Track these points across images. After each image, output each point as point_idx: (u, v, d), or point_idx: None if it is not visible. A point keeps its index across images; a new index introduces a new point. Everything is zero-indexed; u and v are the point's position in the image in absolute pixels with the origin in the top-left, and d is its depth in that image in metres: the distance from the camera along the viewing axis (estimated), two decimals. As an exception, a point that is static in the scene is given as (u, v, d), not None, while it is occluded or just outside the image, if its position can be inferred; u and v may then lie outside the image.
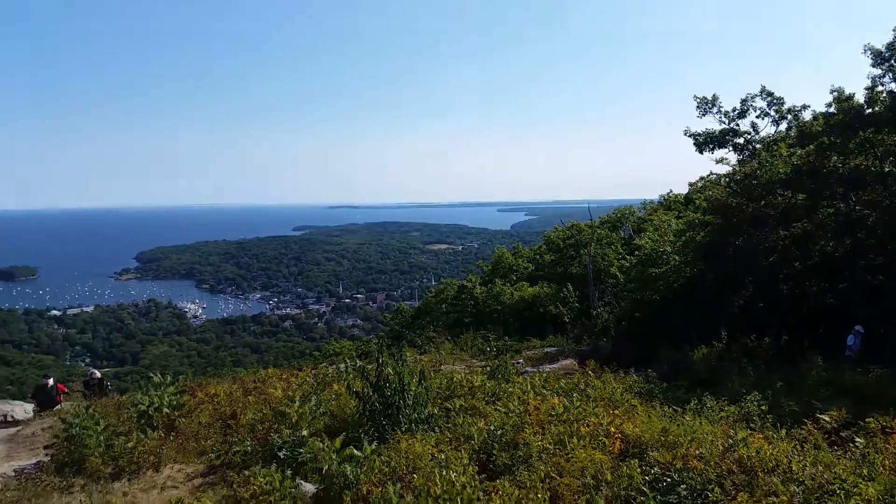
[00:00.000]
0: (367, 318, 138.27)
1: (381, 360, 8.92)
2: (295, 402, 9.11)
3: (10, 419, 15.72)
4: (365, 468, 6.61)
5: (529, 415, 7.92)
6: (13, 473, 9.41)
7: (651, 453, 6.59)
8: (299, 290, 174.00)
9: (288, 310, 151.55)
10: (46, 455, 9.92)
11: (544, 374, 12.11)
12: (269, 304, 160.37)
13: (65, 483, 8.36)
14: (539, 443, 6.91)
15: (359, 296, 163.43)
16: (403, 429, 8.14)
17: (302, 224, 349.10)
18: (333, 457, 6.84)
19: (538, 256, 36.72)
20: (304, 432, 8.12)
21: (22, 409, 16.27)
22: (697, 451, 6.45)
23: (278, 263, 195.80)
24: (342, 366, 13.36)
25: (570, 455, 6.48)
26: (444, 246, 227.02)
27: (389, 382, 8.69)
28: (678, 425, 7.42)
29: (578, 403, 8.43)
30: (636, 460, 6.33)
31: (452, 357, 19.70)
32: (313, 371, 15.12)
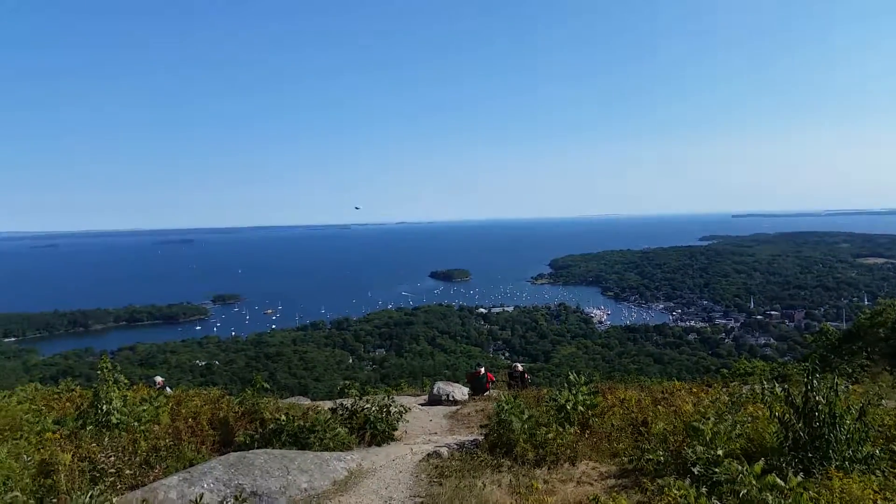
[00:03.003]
0: (782, 338, 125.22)
1: (809, 386, 8.02)
2: (709, 418, 8.76)
3: (451, 399, 18.43)
4: (789, 500, 6.03)
5: None
6: (455, 446, 11.01)
7: None
8: (705, 302, 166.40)
9: (692, 322, 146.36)
10: (480, 434, 11.35)
11: None
12: (673, 315, 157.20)
13: (495, 461, 9.46)
14: None
15: (772, 312, 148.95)
16: (835, 465, 7.19)
17: (708, 234, 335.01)
18: (753, 482, 6.40)
19: None
20: (720, 452, 7.76)
21: (460, 392, 18.93)
22: None
23: (683, 274, 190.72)
24: (757, 387, 12.38)
25: None
26: (881, 260, 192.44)
27: (818, 411, 7.76)
28: None
29: None
30: None
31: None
32: (725, 389, 14.34)
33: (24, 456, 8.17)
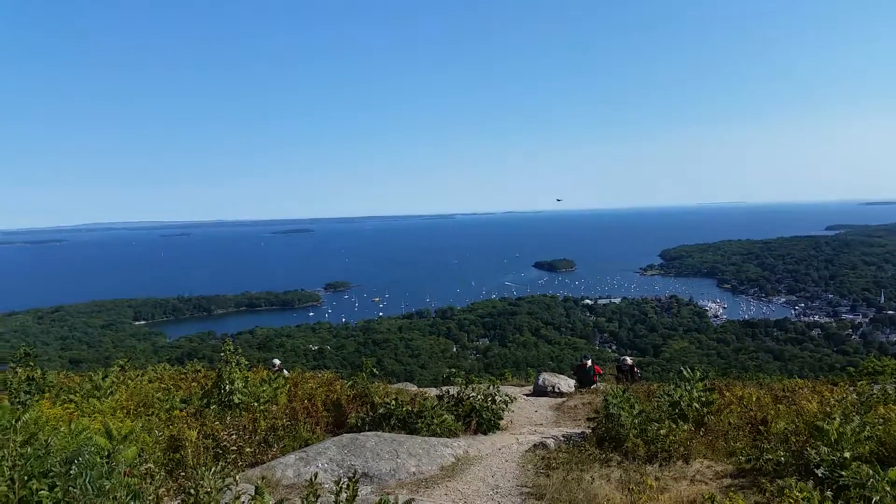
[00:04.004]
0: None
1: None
2: (834, 419, 8.25)
3: (556, 390, 18.31)
4: (929, 511, 5.61)
5: None
6: (562, 438, 10.93)
7: None
8: (830, 296, 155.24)
9: (816, 317, 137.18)
10: (588, 427, 11.20)
11: None
12: (795, 310, 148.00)
13: (604, 456, 9.33)
14: None
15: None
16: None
17: (835, 223, 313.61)
18: (887, 489, 5.99)
19: None
20: (846, 454, 7.31)
21: (566, 383, 18.77)
22: None
23: (807, 266, 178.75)
24: (889, 387, 11.54)
25: None
26: None
27: (962, 415, 7.15)
28: None
29: None
30: None
31: None
32: (852, 389, 13.46)
33: (156, 431, 8.84)
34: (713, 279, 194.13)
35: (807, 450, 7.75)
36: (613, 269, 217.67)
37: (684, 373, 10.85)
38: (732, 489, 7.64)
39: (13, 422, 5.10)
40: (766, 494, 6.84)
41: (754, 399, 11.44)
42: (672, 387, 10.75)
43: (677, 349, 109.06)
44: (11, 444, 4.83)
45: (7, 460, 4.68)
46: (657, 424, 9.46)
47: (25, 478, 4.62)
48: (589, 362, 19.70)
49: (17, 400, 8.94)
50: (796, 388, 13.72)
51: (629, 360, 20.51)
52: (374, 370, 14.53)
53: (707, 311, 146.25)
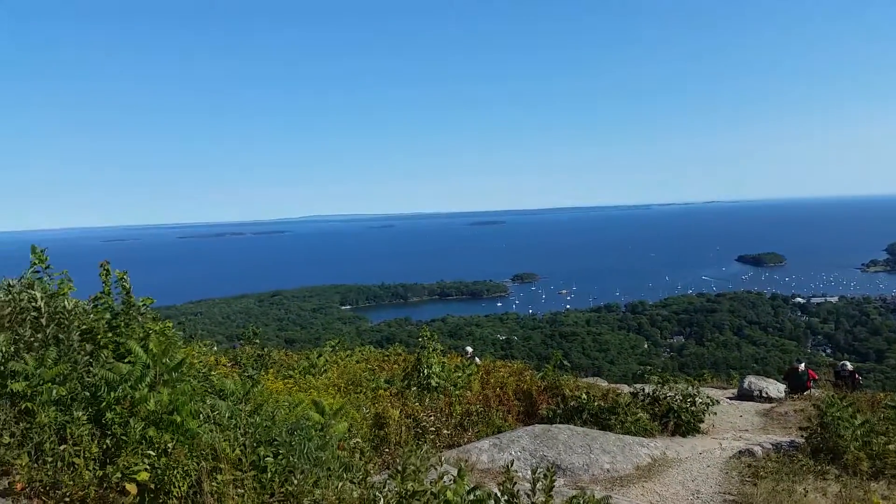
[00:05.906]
0: None
1: None
2: None
3: (764, 395, 17.11)
4: None
5: None
6: (770, 446, 10.18)
7: None
8: None
9: None
10: (800, 436, 10.32)
11: None
12: None
13: (819, 468, 8.58)
14: None
15: None
16: None
17: None
18: None
19: None
20: None
21: (775, 388, 17.47)
22: None
23: None
24: None
25: None
26: None
27: None
28: None
29: None
30: None
31: None
32: None
33: (363, 408, 9.53)
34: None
35: None
36: (830, 265, 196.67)
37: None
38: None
39: (244, 394, 5.78)
40: None
41: None
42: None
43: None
44: (243, 414, 5.47)
45: (239, 428, 5.30)
46: (885, 437, 8.49)
47: (254, 444, 5.20)
48: (802, 366, 18.13)
49: (247, 374, 10.06)
50: None
51: (850, 366, 18.55)
52: (563, 362, 14.52)
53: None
